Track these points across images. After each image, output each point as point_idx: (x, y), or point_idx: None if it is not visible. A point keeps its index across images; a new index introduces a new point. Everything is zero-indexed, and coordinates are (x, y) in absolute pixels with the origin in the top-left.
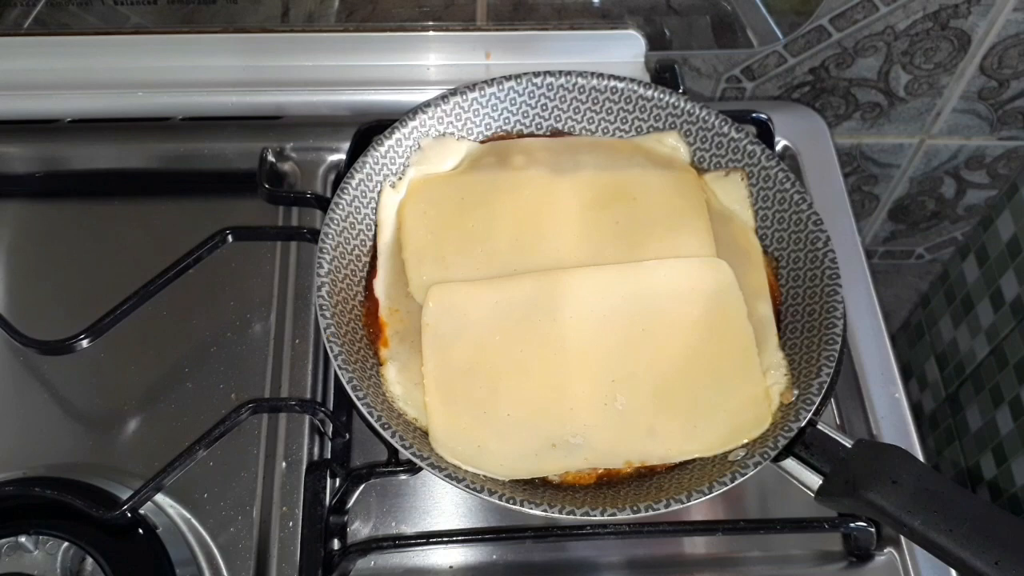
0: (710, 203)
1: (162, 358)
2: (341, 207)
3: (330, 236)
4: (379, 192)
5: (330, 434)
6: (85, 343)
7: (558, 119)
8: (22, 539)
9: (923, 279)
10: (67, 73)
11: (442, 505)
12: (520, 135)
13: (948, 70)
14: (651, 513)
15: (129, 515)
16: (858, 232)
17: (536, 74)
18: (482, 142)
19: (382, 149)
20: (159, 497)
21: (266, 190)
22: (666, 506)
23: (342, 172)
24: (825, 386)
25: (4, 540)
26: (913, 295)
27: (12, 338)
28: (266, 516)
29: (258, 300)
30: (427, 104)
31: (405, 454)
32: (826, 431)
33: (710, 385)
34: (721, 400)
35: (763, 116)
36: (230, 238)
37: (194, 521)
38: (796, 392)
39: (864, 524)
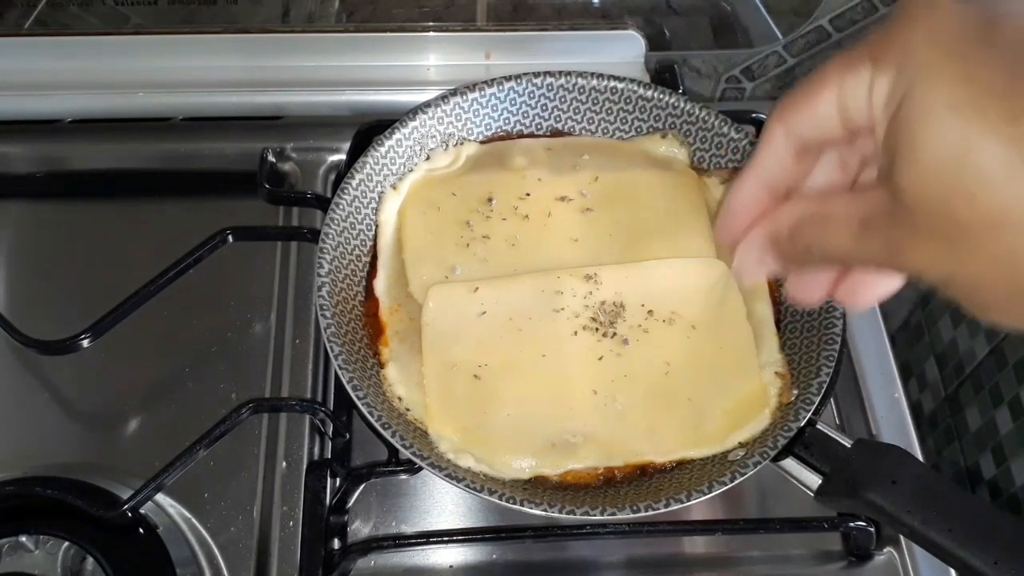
0: (710, 203)
1: (162, 358)
2: (341, 207)
3: (330, 236)
4: (379, 192)
5: (330, 434)
6: (86, 343)
7: (558, 119)
8: (23, 539)
9: None
10: (67, 73)
11: (442, 505)
12: (520, 135)
13: None
14: (651, 513)
15: (130, 515)
16: None
17: (536, 74)
18: (482, 142)
19: (382, 149)
20: (160, 497)
21: (266, 190)
22: (666, 506)
23: (342, 172)
24: (825, 386)
25: (5, 540)
26: (913, 295)
27: (13, 338)
28: (266, 516)
29: (258, 300)
30: (427, 104)
31: (405, 454)
32: (826, 431)
33: (709, 385)
34: (720, 400)
35: (763, 116)
36: (230, 238)
37: (195, 521)
38: (796, 392)
39: (864, 524)
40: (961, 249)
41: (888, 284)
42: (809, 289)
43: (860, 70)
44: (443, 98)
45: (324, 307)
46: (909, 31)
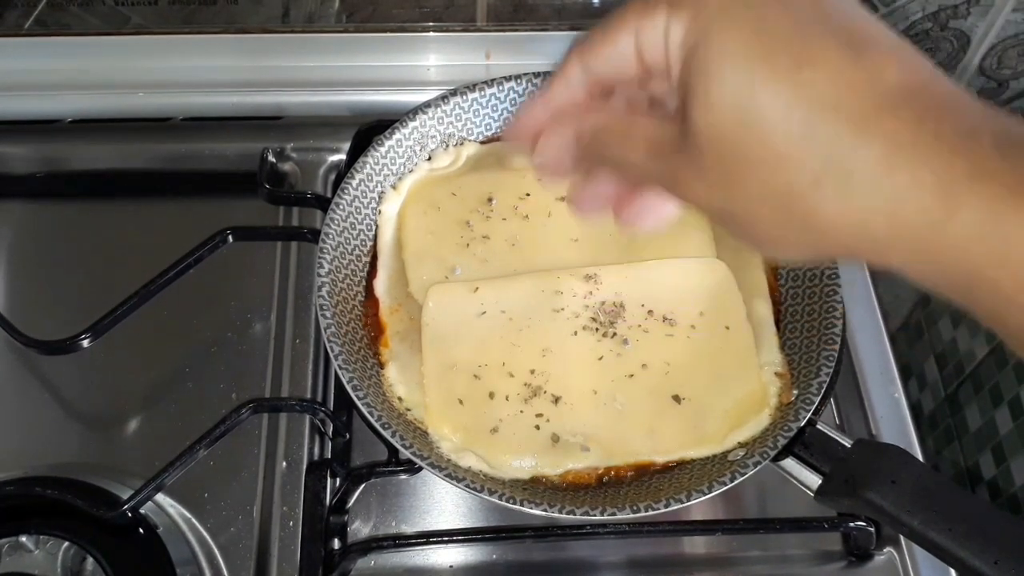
0: None
1: (162, 358)
2: (342, 207)
3: (331, 236)
4: (379, 192)
5: (330, 434)
6: (86, 343)
7: None
8: (23, 539)
9: None
10: (67, 73)
11: (442, 505)
12: None
13: (947, 70)
14: (651, 513)
15: (130, 515)
16: None
17: (536, 74)
18: (482, 142)
19: (382, 149)
20: (160, 497)
21: (266, 190)
22: (666, 506)
23: (342, 172)
24: (825, 386)
25: (5, 540)
26: (913, 295)
27: (13, 338)
28: (266, 516)
29: (258, 300)
30: (427, 104)
31: (405, 454)
32: (826, 431)
33: (709, 385)
34: (720, 400)
35: None
36: (230, 238)
37: (195, 521)
38: (796, 392)
39: (864, 524)
40: (741, 184)
41: (667, 209)
42: (591, 200)
43: (656, 14)
44: (443, 98)
45: (324, 307)
46: None
